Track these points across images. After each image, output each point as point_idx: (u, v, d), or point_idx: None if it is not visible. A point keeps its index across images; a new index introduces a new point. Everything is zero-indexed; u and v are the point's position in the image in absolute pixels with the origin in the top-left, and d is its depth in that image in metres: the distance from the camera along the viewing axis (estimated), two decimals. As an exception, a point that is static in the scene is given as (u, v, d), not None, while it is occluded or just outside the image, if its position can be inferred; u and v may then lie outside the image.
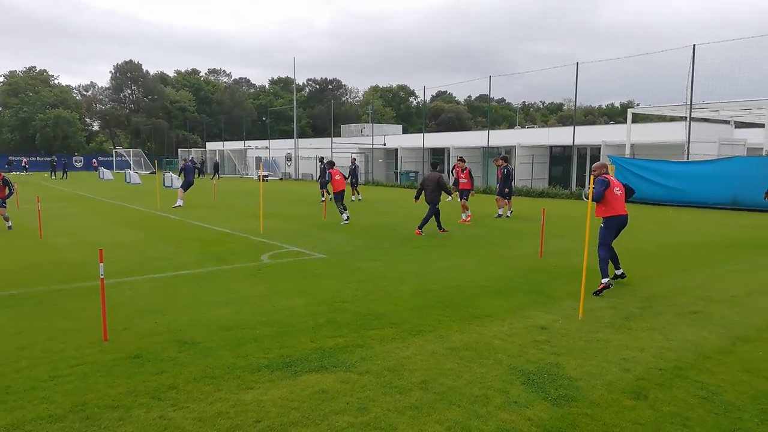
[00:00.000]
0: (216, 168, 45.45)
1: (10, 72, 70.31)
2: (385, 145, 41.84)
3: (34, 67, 72.35)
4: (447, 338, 5.48)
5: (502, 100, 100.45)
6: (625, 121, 27.66)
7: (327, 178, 16.07)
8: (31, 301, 6.85)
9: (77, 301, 6.86)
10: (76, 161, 63.81)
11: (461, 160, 17.15)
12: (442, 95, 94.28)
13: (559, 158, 33.19)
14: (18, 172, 54.63)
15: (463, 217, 15.38)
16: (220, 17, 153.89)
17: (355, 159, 24.62)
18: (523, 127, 56.41)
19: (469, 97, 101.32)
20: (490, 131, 33.48)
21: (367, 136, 43.94)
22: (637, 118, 29.62)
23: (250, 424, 3.70)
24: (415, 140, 40.17)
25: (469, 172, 16.43)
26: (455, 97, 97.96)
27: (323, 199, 22.02)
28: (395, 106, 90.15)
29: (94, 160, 62.03)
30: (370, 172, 41.82)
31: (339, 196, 15.35)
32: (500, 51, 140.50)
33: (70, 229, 13.59)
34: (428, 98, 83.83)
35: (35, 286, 7.65)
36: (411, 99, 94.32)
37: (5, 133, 67.60)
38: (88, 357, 4.89)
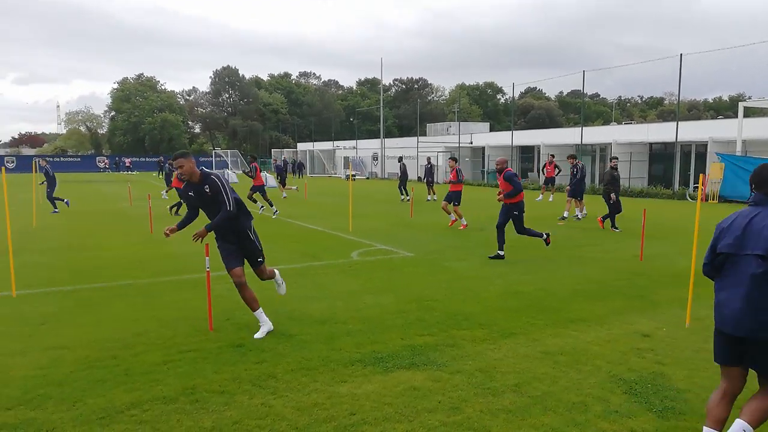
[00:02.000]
0: (299, 168, 48.60)
1: (123, 79, 76.70)
2: (471, 143, 41.35)
3: (143, 74, 78.41)
4: (540, 342, 5.33)
5: (596, 95, 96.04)
6: (734, 116, 25.52)
7: (253, 173, 16.88)
8: (143, 291, 7.43)
9: (184, 292, 7.36)
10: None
11: (452, 158, 15.96)
12: (531, 91, 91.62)
13: (660, 156, 31.21)
14: (123, 172, 59.54)
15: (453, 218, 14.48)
16: (309, 21, 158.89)
17: (430, 158, 24.53)
18: (619, 123, 53.61)
19: (561, 93, 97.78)
20: (583, 128, 32.12)
21: (453, 134, 43.65)
22: (749, 112, 27.21)
23: (345, 416, 3.80)
24: (502, 138, 39.37)
25: (457, 173, 15.12)
26: (545, 93, 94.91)
27: (404, 197, 22.34)
28: (482, 103, 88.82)
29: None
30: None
31: (260, 189, 16.57)
32: (590, 44, 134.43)
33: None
34: (517, 95, 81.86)
35: (147, 277, 8.30)
36: (498, 96, 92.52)
37: (118, 135, 73.71)
38: (196, 344, 5.23)
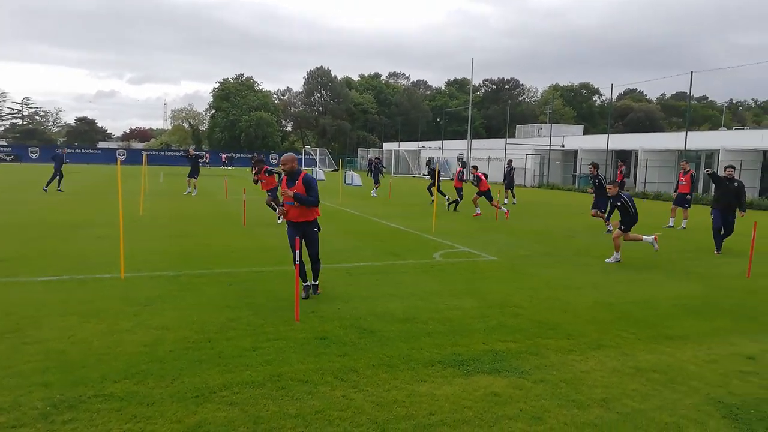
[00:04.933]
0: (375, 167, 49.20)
1: (224, 79, 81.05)
2: (563, 146, 39.89)
3: (242, 74, 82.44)
4: (632, 357, 5.06)
5: (704, 98, 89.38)
6: None
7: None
8: (237, 280, 7.84)
9: (274, 283, 7.68)
10: (271, 158, 71.40)
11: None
12: (630, 93, 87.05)
13: (775, 164, 28.55)
14: (218, 166, 62.88)
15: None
16: (401, 22, 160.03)
17: (511, 161, 23.89)
18: (729, 128, 49.62)
19: (663, 95, 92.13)
20: (688, 132, 30.04)
21: (544, 137, 42.32)
22: None
23: (424, 416, 3.81)
24: (597, 141, 37.66)
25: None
26: (646, 95, 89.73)
27: (506, 201, 21.91)
28: (576, 105, 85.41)
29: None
30: (546, 174, 40.21)
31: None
32: (696, 44, 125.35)
33: (268, 218, 15.24)
34: (615, 96, 77.94)
35: (240, 267, 8.74)
36: (594, 97, 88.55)
37: (217, 132, 78.04)
38: (283, 334, 5.45)
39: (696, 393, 4.30)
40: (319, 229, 6.80)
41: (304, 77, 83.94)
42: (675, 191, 15.46)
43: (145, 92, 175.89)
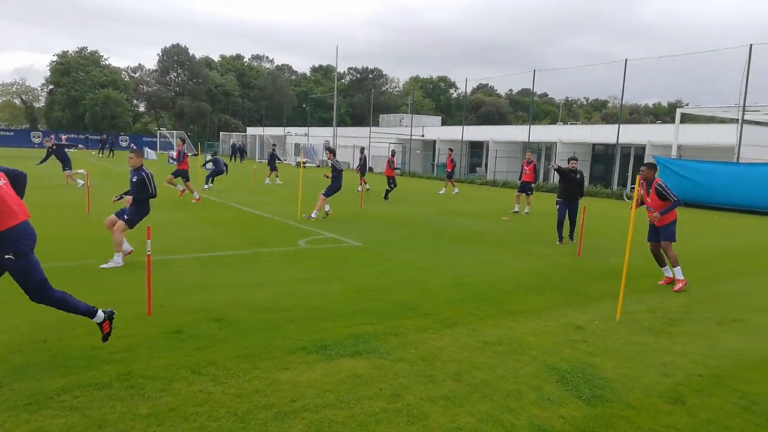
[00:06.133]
0: (240, 152, 48.56)
1: (63, 52, 72.64)
2: (423, 136, 41.67)
3: (86, 47, 74.55)
4: (481, 332, 5.48)
5: (545, 95, 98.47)
6: (672, 121, 26.84)
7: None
8: (81, 273, 7.15)
9: (123, 275, 7.12)
10: (122, 141, 65.71)
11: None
12: (483, 88, 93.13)
13: (602, 156, 32.47)
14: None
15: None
16: (267, 6, 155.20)
17: (363, 149, 24.61)
18: (565, 123, 55.30)
19: (510, 91, 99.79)
20: (531, 126, 32.95)
21: (406, 126, 43.84)
22: (686, 119, 28.67)
23: (286, 403, 3.79)
24: (453, 132, 39.86)
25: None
26: (496, 90, 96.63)
27: (360, 188, 22.14)
28: (435, 97, 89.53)
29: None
30: (407, 163, 41.75)
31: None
32: (539, 46, 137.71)
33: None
34: (469, 90, 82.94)
35: (84, 259, 7.98)
36: (451, 91, 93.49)
37: (57, 110, 70.01)
38: (133, 330, 5.08)
39: (534, 361, 4.77)
40: (15, 256, 4.23)
41: (158, 54, 78.13)
42: (519, 179, 16.88)
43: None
